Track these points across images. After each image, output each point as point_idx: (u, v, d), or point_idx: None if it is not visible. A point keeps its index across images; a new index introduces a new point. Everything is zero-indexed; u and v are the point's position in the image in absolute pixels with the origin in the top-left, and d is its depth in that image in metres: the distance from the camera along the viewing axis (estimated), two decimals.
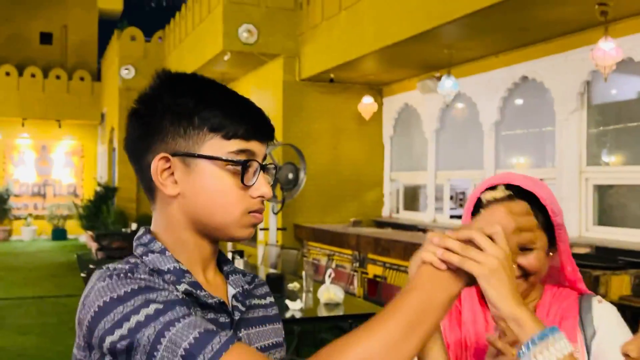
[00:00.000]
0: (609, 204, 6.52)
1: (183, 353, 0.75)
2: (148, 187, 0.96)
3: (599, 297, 1.30)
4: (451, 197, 9.31)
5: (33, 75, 16.32)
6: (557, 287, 1.32)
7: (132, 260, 0.92)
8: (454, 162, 8.64)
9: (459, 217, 9.07)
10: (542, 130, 7.20)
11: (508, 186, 1.23)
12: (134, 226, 11.58)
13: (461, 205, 10.85)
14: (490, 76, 7.60)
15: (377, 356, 0.71)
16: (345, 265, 7.48)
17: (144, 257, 0.92)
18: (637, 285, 4.47)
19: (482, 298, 1.28)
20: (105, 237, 11.37)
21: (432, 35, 6.69)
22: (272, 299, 1.08)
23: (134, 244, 0.95)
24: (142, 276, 0.86)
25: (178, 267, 0.91)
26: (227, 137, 0.91)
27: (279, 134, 9.31)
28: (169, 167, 0.92)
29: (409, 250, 6.42)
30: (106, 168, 16.23)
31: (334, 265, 7.48)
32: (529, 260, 1.21)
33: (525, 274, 1.22)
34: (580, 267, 4.16)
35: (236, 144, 0.91)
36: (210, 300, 0.91)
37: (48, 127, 16.99)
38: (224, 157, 0.90)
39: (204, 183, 0.91)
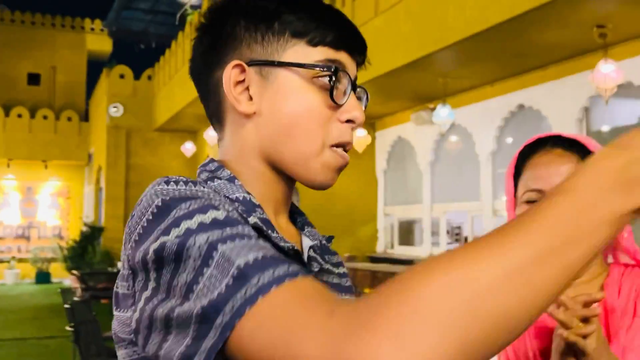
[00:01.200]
0: None
1: (236, 272, 0.54)
2: (215, 110, 0.77)
3: None
4: (447, 232, 9.12)
5: (19, 116, 16.16)
6: (624, 265, 1.13)
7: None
8: (450, 194, 8.48)
9: None
10: None
11: (548, 139, 1.14)
12: (120, 265, 11.27)
13: (457, 240, 10.62)
14: (486, 105, 7.52)
15: (483, 288, 0.44)
16: None
17: (209, 182, 0.72)
18: None
19: None
20: (91, 277, 11.03)
21: (426, 62, 6.62)
22: (345, 270, 0.88)
23: (198, 170, 0.76)
24: (206, 190, 0.66)
25: (249, 199, 0.71)
26: (313, 43, 0.73)
27: None
28: (244, 80, 0.74)
29: None
30: (92, 208, 15.93)
31: None
32: None
33: None
34: None
35: (324, 52, 0.73)
36: (282, 244, 0.70)
37: (34, 168, 16.73)
38: (310, 64, 0.72)
39: (285, 98, 0.73)
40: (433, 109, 7.78)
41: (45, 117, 16.42)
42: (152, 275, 0.60)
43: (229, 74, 0.73)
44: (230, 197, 0.71)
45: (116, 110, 13.48)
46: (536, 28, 5.47)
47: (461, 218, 9.69)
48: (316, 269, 0.75)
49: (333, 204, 9.22)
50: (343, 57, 0.75)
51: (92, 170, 16.07)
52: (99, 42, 18.94)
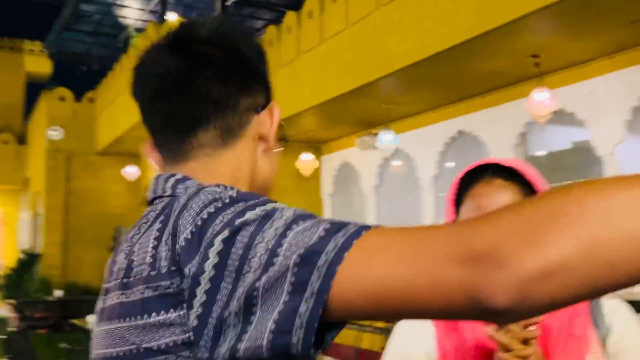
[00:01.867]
0: None
1: (324, 229, 0.54)
2: (230, 129, 0.79)
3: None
4: None
5: None
6: None
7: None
8: (394, 217, 8.61)
9: None
10: None
11: (488, 167, 1.15)
12: (58, 293, 10.86)
13: None
14: (428, 131, 7.72)
15: (631, 211, 0.46)
16: None
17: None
18: None
19: None
20: (27, 306, 10.58)
21: (371, 89, 6.76)
22: None
23: (187, 190, 0.73)
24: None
25: None
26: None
27: None
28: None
29: None
30: (29, 235, 15.33)
31: None
32: None
33: None
34: None
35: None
36: None
37: None
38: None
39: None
40: (377, 134, 7.93)
41: None
42: (206, 284, 0.58)
43: (279, 113, 0.81)
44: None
45: (56, 134, 13.10)
46: (475, 57, 5.68)
47: None
48: None
49: None
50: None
51: (29, 195, 15.51)
52: (38, 63, 18.44)
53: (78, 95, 13.75)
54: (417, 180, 7.90)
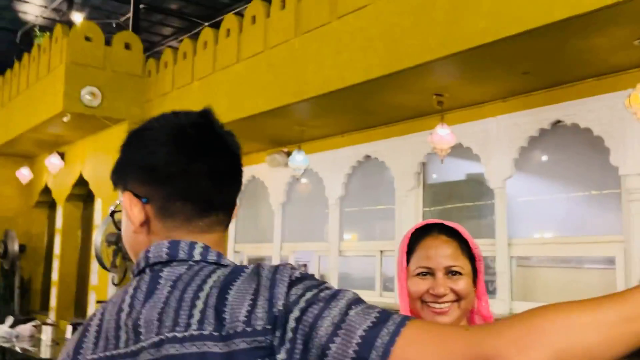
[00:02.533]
0: None
1: (359, 341, 0.77)
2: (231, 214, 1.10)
3: None
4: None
5: None
6: (480, 322, 1.49)
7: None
8: (299, 234, 8.89)
9: None
10: (384, 204, 7.75)
11: (433, 226, 1.43)
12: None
13: None
14: (337, 154, 8.08)
15: (585, 328, 0.71)
16: None
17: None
18: None
19: None
20: None
21: (285, 111, 7.00)
22: None
23: (216, 258, 0.99)
24: None
25: None
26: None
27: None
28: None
29: None
30: None
31: None
32: (460, 285, 1.38)
33: (458, 298, 1.38)
34: None
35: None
36: None
37: None
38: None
39: None
40: (288, 153, 8.19)
41: None
42: (295, 328, 0.82)
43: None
44: None
45: None
46: (385, 91, 6.10)
47: (308, 257, 10.14)
48: None
49: None
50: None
51: None
52: None
53: None
54: (325, 199, 8.23)
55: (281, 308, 0.82)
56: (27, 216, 12.97)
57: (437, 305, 1.39)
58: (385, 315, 0.80)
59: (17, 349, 7.27)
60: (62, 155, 10.88)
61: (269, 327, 0.82)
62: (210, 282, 0.88)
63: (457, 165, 7.00)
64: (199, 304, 0.85)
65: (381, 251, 7.56)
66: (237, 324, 0.83)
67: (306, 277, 0.88)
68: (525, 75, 5.51)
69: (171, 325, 0.85)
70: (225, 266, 0.94)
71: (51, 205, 12.51)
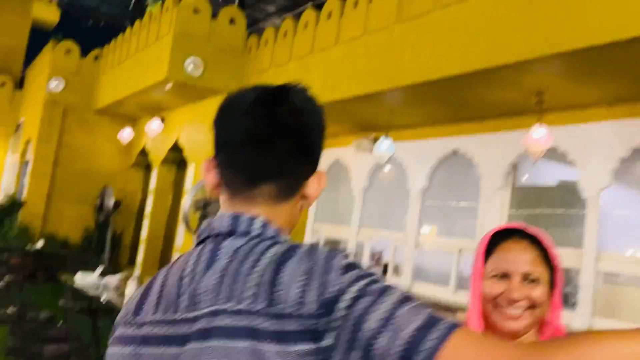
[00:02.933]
0: None
1: (405, 340, 0.79)
2: (292, 189, 1.03)
3: None
4: (370, 255, 9.51)
5: None
6: (553, 332, 1.44)
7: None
8: (377, 221, 8.88)
9: None
10: (467, 201, 7.59)
11: (515, 231, 1.42)
12: (39, 243, 10.97)
13: (377, 265, 11.04)
14: (424, 145, 7.97)
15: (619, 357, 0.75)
16: None
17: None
18: None
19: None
20: (4, 252, 10.68)
21: (377, 97, 6.98)
22: None
23: (273, 234, 0.99)
24: None
25: None
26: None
27: None
28: None
29: None
30: (14, 180, 15.35)
31: None
32: (536, 292, 1.34)
33: (532, 305, 1.34)
34: None
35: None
36: None
37: None
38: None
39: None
40: (375, 139, 8.16)
41: None
42: (344, 316, 0.83)
43: (325, 181, 1.05)
44: None
45: (56, 85, 13.13)
46: (482, 85, 5.94)
47: (383, 245, 10.12)
48: None
49: None
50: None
51: (19, 140, 15.50)
52: (47, 10, 18.32)
53: (81, 49, 13.76)
54: (407, 190, 8.16)
55: (333, 295, 0.83)
56: (124, 175, 13.72)
57: (510, 311, 1.36)
58: (434, 319, 0.80)
59: (102, 298, 7.74)
60: (162, 121, 11.39)
61: (319, 311, 0.83)
62: (266, 258, 0.90)
63: (550, 170, 6.73)
64: (254, 278, 0.87)
65: (460, 249, 7.42)
66: (288, 304, 0.84)
67: (358, 265, 0.88)
68: (635, 82, 5.20)
69: (226, 297, 0.88)
70: (281, 243, 0.95)
71: (147, 167, 13.17)
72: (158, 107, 11.29)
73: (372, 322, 0.80)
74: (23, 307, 3.79)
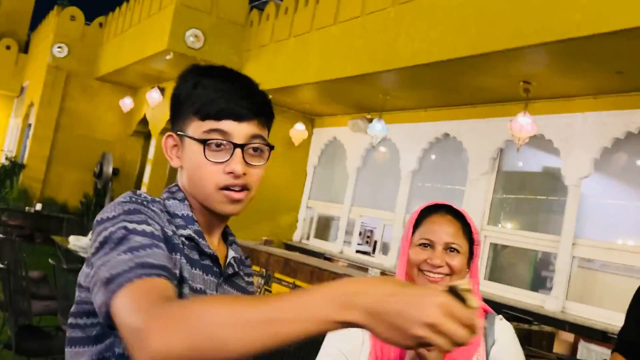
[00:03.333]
0: (501, 263, 7.11)
1: (106, 275, 0.89)
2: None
3: (500, 316, 1.63)
4: (360, 233, 9.72)
5: None
6: None
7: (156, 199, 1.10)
8: (368, 200, 9.07)
9: (364, 252, 9.47)
10: (454, 182, 7.77)
11: (442, 206, 1.60)
12: (38, 206, 11.19)
13: (367, 242, 11.28)
14: (416, 127, 8.12)
15: (225, 326, 0.75)
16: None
17: (165, 201, 1.11)
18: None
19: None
20: (3, 212, 10.91)
21: (372, 79, 7.11)
22: (252, 280, 1.29)
23: (164, 190, 1.15)
24: (153, 207, 1.04)
25: (190, 215, 1.10)
26: (202, 118, 1.06)
27: None
28: (175, 145, 1.11)
29: (316, 274, 6.69)
30: (16, 143, 15.55)
31: None
32: (455, 261, 1.52)
33: (450, 272, 1.52)
34: None
35: (208, 124, 1.06)
36: (207, 250, 1.10)
37: None
38: (191, 135, 1.06)
39: (189, 158, 1.08)
40: (370, 120, 8.32)
41: None
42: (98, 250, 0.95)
43: (165, 142, 1.12)
44: (177, 213, 1.09)
45: (60, 51, 13.25)
46: (472, 71, 6.08)
47: (375, 224, 10.33)
48: (230, 272, 1.15)
49: (261, 188, 9.55)
50: (226, 125, 1.06)
51: (23, 103, 15.66)
52: None
53: (87, 18, 13.85)
54: (398, 171, 8.33)
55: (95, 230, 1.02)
56: (124, 143, 13.90)
57: (431, 274, 1.54)
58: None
59: None
60: (162, 91, 11.52)
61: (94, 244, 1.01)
62: None
63: (535, 157, 6.89)
64: None
65: None
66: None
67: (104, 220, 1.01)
68: (618, 74, 5.34)
69: None
70: None
71: (146, 136, 13.33)
72: (159, 78, 11.42)
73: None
74: (15, 264, 4.00)
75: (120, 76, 12.52)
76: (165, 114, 11.49)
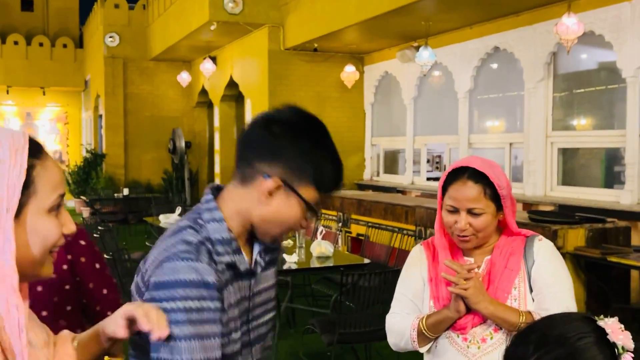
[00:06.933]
0: (572, 166, 7.12)
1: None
2: (249, 176, 1.22)
3: (540, 236, 1.81)
4: (428, 161, 9.87)
5: (16, 43, 16.38)
6: (511, 234, 1.82)
7: (196, 238, 1.19)
8: (430, 127, 9.16)
9: (436, 179, 9.64)
10: (512, 96, 7.73)
11: (465, 170, 1.75)
12: (125, 191, 11.97)
13: (437, 168, 11.42)
14: (465, 47, 8.07)
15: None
16: (330, 225, 8.03)
17: (207, 225, 1.21)
18: (590, 238, 5.05)
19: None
20: (97, 202, 11.77)
21: (411, 9, 7.11)
22: (274, 269, 1.40)
23: (203, 207, 1.24)
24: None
25: (228, 237, 1.21)
26: (319, 190, 1.22)
27: (264, 102, 9.73)
28: (278, 187, 1.20)
29: (389, 210, 6.97)
30: (92, 134, 16.48)
31: (320, 226, 7.99)
32: (478, 222, 1.73)
33: (475, 233, 1.74)
34: (541, 222, 4.80)
35: (316, 193, 1.22)
36: (243, 268, 1.23)
37: (32, 94, 17.11)
38: (307, 201, 1.22)
39: (285, 206, 1.21)
40: (417, 48, 8.32)
41: (41, 44, 16.64)
42: None
43: (269, 184, 1.19)
44: (217, 237, 1.18)
45: (112, 40, 13.80)
46: None
47: (441, 149, 10.42)
48: (259, 270, 1.27)
49: None
50: (321, 195, 1.23)
51: (89, 96, 16.48)
52: None
53: (130, 1, 14.27)
54: (454, 93, 8.35)
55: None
56: (190, 115, 14.48)
57: (460, 236, 1.76)
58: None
59: None
60: (214, 60, 11.87)
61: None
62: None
63: (589, 54, 6.75)
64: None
65: (510, 143, 7.66)
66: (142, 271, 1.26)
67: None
68: None
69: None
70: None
71: (209, 106, 13.82)
72: (209, 48, 11.75)
73: None
74: (118, 251, 4.49)
75: (172, 53, 12.94)
76: (222, 81, 11.87)
